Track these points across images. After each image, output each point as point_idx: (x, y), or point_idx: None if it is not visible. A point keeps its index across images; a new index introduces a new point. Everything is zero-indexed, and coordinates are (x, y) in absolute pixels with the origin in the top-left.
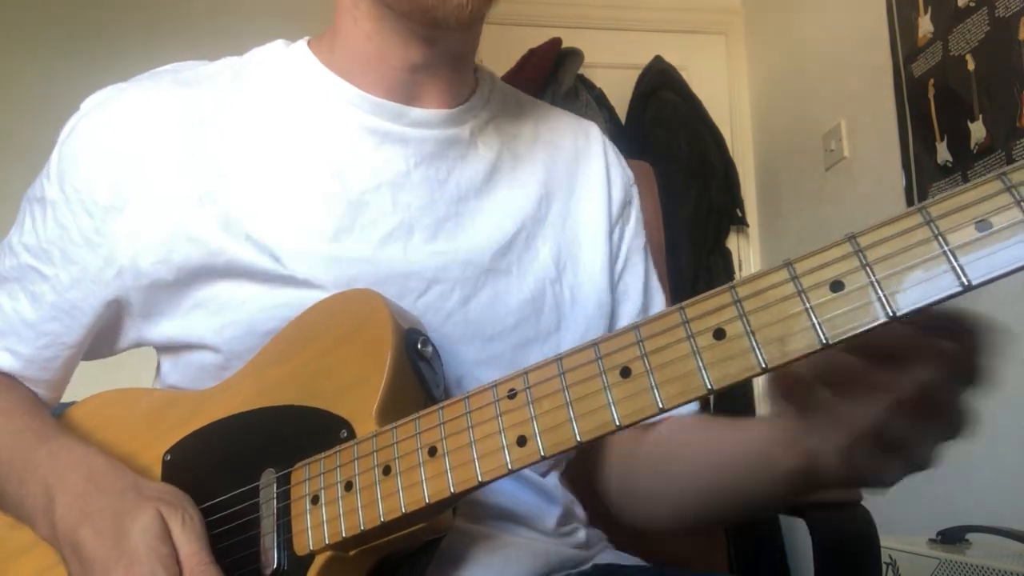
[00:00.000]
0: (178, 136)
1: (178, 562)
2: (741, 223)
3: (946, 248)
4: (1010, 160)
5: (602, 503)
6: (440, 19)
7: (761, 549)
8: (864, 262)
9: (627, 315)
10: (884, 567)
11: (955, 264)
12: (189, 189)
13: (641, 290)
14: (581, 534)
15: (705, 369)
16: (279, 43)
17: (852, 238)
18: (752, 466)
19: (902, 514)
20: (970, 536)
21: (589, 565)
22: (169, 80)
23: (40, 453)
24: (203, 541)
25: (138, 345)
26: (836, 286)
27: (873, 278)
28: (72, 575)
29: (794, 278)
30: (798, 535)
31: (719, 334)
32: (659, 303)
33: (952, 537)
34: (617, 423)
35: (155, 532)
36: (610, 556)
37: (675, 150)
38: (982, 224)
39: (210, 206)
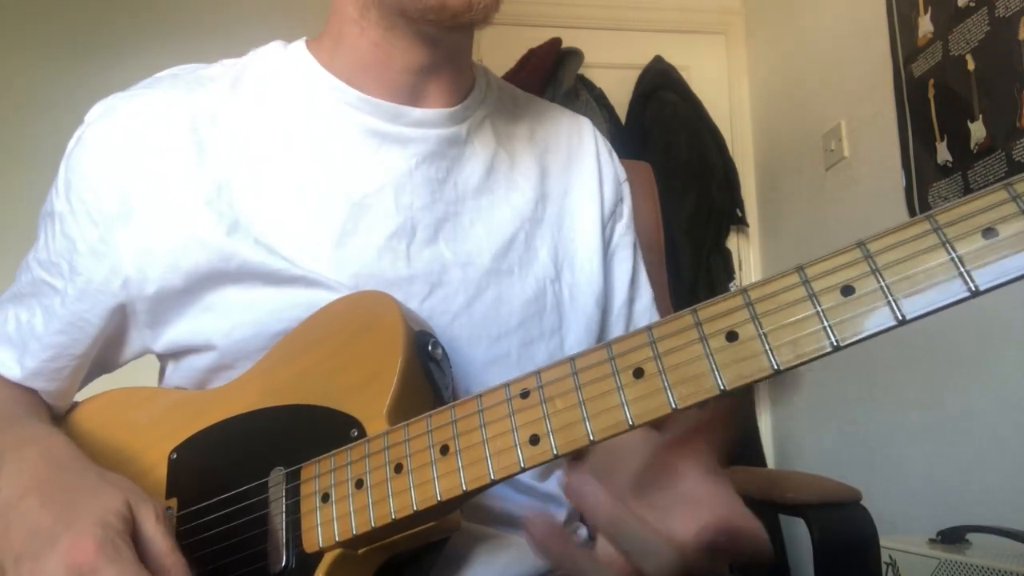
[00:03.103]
0: (182, 141)
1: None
2: (741, 223)
3: (954, 255)
4: (1010, 160)
5: None
6: (464, 19)
7: None
8: (874, 267)
9: (612, 309)
10: (884, 567)
11: (963, 271)
12: (196, 194)
13: (628, 284)
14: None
15: (718, 370)
16: (277, 44)
17: (862, 244)
18: None
19: (902, 514)
20: (970, 536)
21: None
22: (168, 84)
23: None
24: (175, 542)
25: (144, 354)
26: (847, 290)
27: (883, 283)
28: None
29: (805, 282)
30: (798, 535)
31: (732, 336)
32: (646, 300)
33: (952, 537)
34: (630, 423)
35: (116, 512)
36: None
37: (675, 150)
38: (989, 232)
39: (217, 210)
